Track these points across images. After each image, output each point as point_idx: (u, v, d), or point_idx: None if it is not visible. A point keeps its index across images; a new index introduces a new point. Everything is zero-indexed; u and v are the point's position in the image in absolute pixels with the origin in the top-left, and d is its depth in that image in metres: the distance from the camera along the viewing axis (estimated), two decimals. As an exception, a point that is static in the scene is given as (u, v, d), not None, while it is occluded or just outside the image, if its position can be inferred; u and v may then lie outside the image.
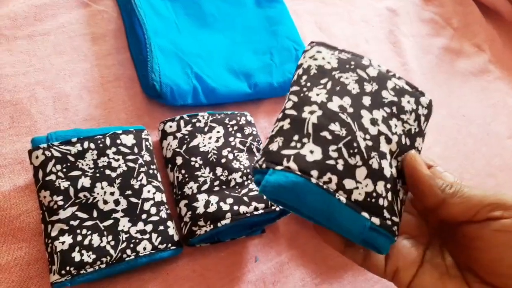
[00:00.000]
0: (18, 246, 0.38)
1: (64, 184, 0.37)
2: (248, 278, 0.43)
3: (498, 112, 0.68)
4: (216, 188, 0.42)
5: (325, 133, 0.30)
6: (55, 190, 0.36)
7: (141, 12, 0.50)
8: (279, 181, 0.27)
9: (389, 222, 0.29)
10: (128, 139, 0.40)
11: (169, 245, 0.39)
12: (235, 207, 0.40)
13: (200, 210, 0.39)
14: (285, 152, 0.29)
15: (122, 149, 0.40)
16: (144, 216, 0.38)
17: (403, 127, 0.33)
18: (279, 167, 0.28)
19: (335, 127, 0.30)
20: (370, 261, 0.32)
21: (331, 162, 0.29)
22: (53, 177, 0.36)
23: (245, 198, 0.41)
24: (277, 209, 0.42)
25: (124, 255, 0.36)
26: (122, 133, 0.40)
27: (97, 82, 0.49)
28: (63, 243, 0.35)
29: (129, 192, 0.39)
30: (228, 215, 0.40)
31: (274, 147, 0.29)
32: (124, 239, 0.37)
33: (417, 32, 0.72)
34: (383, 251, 0.30)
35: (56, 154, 0.37)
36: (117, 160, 0.39)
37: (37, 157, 0.37)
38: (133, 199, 0.39)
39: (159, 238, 0.38)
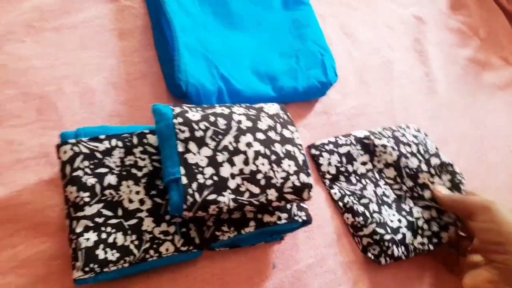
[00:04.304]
0: (40, 240, 0.38)
1: (91, 180, 0.36)
2: (267, 285, 0.43)
3: (522, 127, 0.67)
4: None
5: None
6: (82, 186, 0.36)
7: (169, 10, 0.50)
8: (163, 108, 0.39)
9: (190, 191, 0.35)
10: (155, 139, 0.40)
11: (191, 247, 0.38)
12: (259, 215, 0.40)
13: (225, 215, 0.39)
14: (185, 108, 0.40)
15: (149, 148, 0.40)
16: (167, 217, 0.38)
17: None
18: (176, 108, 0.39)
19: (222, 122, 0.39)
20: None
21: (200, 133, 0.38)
22: (80, 173, 0.36)
23: (268, 207, 0.40)
24: (300, 220, 0.42)
25: (147, 256, 0.36)
26: (149, 133, 0.40)
27: (123, 79, 0.49)
28: (87, 239, 0.35)
29: (154, 192, 0.38)
30: (252, 223, 0.39)
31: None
32: (147, 239, 0.37)
33: (443, 40, 0.71)
34: (171, 207, 0.35)
35: (84, 150, 0.37)
36: (144, 159, 0.39)
37: (65, 152, 0.37)
38: (158, 200, 0.38)
39: (181, 240, 0.38)
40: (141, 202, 0.38)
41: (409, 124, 0.57)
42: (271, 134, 0.40)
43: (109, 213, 0.36)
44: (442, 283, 0.50)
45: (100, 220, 0.36)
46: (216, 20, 0.55)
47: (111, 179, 0.37)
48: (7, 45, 0.46)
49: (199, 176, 0.36)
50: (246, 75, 0.52)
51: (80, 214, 0.36)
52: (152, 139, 0.40)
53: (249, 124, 0.40)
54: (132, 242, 0.36)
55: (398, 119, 0.59)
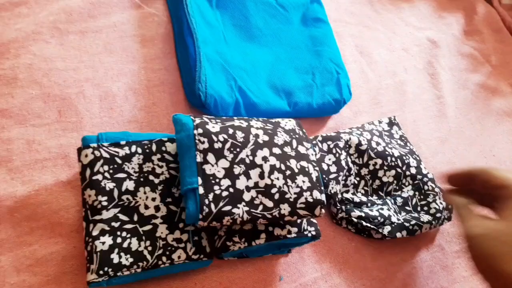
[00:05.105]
0: (55, 241, 0.39)
1: (110, 185, 0.37)
2: (273, 297, 0.43)
3: (529, 156, 0.68)
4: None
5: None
6: (101, 190, 0.37)
7: (193, 21, 0.51)
8: (184, 118, 0.40)
9: (206, 201, 0.36)
10: (173, 147, 0.41)
11: (201, 256, 0.39)
12: (270, 228, 0.41)
13: (236, 226, 0.40)
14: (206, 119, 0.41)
15: (166, 156, 0.40)
16: (181, 225, 0.39)
17: None
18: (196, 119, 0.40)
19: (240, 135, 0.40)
20: None
21: (218, 145, 0.39)
22: (99, 177, 0.37)
23: (280, 221, 0.41)
24: (309, 234, 0.42)
25: (160, 262, 0.37)
26: (168, 141, 0.41)
27: (143, 85, 0.50)
28: (103, 243, 0.35)
29: (169, 199, 0.39)
30: (263, 235, 0.40)
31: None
32: (161, 245, 0.37)
33: (455, 65, 0.72)
34: (187, 216, 0.36)
35: (105, 154, 0.38)
36: (161, 167, 0.40)
37: (86, 156, 0.38)
38: (173, 207, 0.39)
39: (193, 248, 0.39)
40: (157, 208, 0.38)
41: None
42: (287, 149, 0.41)
43: (125, 218, 0.37)
44: None
45: (116, 224, 0.37)
46: (236, 33, 0.56)
47: (129, 184, 0.38)
48: (33, 45, 0.47)
49: (216, 187, 0.37)
50: (262, 89, 0.53)
51: (97, 217, 0.36)
52: (170, 147, 0.41)
53: (266, 138, 0.41)
54: (146, 247, 0.37)
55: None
